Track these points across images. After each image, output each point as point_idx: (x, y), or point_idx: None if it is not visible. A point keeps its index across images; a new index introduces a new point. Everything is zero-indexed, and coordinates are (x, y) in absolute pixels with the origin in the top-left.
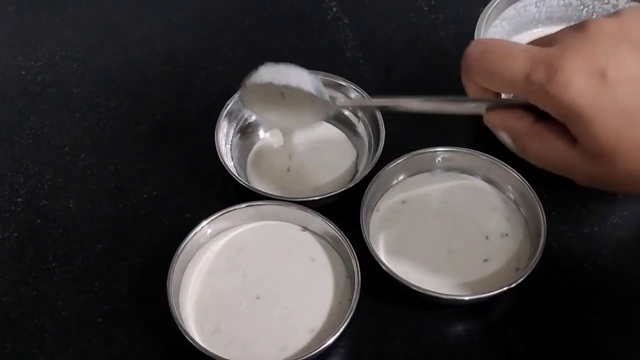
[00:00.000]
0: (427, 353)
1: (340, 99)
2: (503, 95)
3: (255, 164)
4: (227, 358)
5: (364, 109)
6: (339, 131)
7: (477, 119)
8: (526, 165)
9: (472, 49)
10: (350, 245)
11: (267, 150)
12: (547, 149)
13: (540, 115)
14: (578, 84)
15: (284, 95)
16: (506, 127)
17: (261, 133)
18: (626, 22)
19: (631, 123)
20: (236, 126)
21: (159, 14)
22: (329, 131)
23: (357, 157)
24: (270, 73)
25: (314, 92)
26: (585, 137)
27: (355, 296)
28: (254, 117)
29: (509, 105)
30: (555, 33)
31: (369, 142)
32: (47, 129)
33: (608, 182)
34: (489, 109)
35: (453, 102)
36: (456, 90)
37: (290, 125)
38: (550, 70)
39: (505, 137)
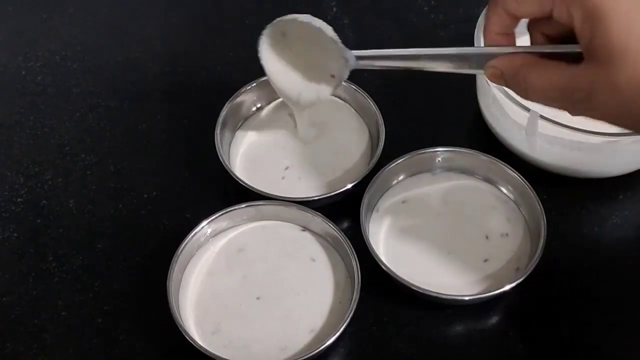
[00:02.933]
0: (427, 353)
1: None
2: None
3: (254, 163)
4: (227, 358)
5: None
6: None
7: (477, 119)
8: (526, 165)
9: None
10: (350, 245)
11: (267, 149)
12: (548, 73)
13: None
14: None
15: (304, 43)
16: (508, 66)
17: (261, 132)
18: None
19: None
20: (236, 126)
21: (159, 14)
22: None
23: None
24: (294, 15)
25: (335, 36)
26: (601, 37)
27: (355, 296)
28: (254, 116)
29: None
30: None
31: (369, 142)
32: (47, 129)
33: (609, 96)
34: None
35: (467, 57)
36: (456, 91)
37: (306, 93)
38: None
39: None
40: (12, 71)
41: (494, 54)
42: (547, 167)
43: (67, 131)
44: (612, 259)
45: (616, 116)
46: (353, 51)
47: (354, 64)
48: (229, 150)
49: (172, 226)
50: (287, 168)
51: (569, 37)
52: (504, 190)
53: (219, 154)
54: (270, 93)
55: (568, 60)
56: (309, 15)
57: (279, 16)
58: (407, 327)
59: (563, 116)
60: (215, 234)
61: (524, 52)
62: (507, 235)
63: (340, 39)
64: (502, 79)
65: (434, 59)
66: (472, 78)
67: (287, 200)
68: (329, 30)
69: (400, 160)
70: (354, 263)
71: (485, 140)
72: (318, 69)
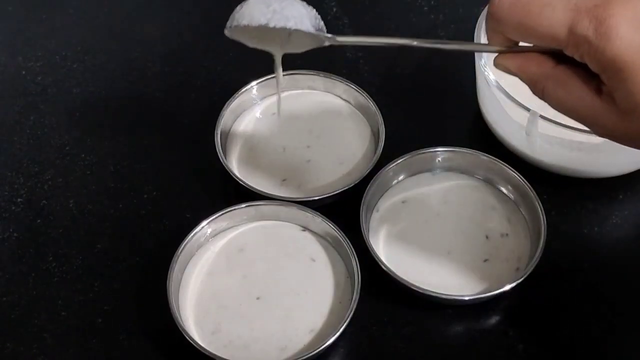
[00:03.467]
0: (427, 353)
1: (340, 36)
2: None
3: (254, 164)
4: (227, 358)
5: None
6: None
7: (477, 119)
8: (526, 165)
9: (503, 2)
10: (350, 245)
11: (267, 149)
12: (570, 95)
13: (559, 59)
14: (623, 37)
15: (280, 33)
16: (522, 71)
17: (262, 132)
18: None
19: None
20: (236, 126)
21: (159, 14)
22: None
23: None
24: (264, 12)
25: (313, 31)
26: (621, 92)
27: (355, 296)
28: (254, 116)
29: (522, 50)
30: None
31: (369, 142)
32: (47, 129)
33: (632, 137)
34: (500, 52)
35: (465, 45)
36: (456, 91)
37: (282, 51)
38: (595, 21)
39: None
40: (12, 71)
41: (489, 51)
42: (547, 167)
43: (67, 131)
44: (612, 259)
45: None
46: (337, 37)
47: (334, 42)
48: (229, 150)
49: (172, 226)
50: (286, 169)
51: None
52: (504, 190)
53: (219, 154)
54: (271, 93)
55: (589, 74)
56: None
57: None
58: (407, 327)
59: (563, 116)
60: (215, 234)
61: (537, 54)
62: (507, 235)
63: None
64: (511, 74)
65: (423, 45)
66: (472, 78)
67: (287, 200)
68: (305, 24)
69: (400, 160)
70: (354, 263)
71: (485, 140)
72: (295, 40)
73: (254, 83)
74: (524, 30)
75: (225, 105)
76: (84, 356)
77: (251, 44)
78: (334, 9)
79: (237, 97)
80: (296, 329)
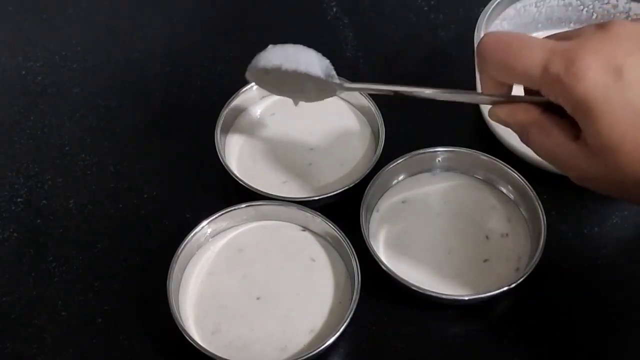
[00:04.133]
0: (427, 353)
1: (349, 82)
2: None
3: (254, 163)
4: (227, 358)
5: (373, 93)
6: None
7: (477, 119)
8: (526, 165)
9: (487, 42)
10: (350, 245)
11: (267, 149)
12: (549, 140)
13: (546, 109)
14: (592, 78)
15: (293, 78)
16: (511, 119)
17: (262, 132)
18: None
19: (638, 125)
20: (236, 126)
21: (159, 14)
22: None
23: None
24: (279, 56)
25: (322, 76)
26: (590, 132)
27: (355, 296)
28: (254, 116)
29: (514, 100)
30: (575, 30)
31: (369, 142)
32: (47, 129)
33: (603, 181)
34: (494, 103)
35: (464, 94)
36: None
37: (298, 99)
38: (567, 62)
39: (503, 136)
40: (12, 71)
41: (481, 101)
42: (547, 167)
43: (67, 131)
44: (612, 259)
45: (612, 194)
46: (345, 84)
47: (343, 90)
48: (229, 150)
49: (172, 226)
50: (287, 171)
51: None
52: (504, 190)
53: (219, 154)
54: (270, 93)
55: (570, 122)
56: (298, 46)
57: (279, 17)
58: (407, 327)
59: None
60: (215, 234)
61: (525, 103)
62: (507, 235)
63: (340, 38)
64: (503, 123)
65: (423, 95)
66: (472, 78)
67: (287, 200)
68: (315, 69)
69: (400, 160)
70: (354, 263)
71: (485, 140)
72: (308, 88)
73: (253, 83)
74: (505, 68)
75: (225, 105)
76: (84, 356)
77: (270, 90)
78: (334, 9)
79: (237, 97)
80: (296, 329)
